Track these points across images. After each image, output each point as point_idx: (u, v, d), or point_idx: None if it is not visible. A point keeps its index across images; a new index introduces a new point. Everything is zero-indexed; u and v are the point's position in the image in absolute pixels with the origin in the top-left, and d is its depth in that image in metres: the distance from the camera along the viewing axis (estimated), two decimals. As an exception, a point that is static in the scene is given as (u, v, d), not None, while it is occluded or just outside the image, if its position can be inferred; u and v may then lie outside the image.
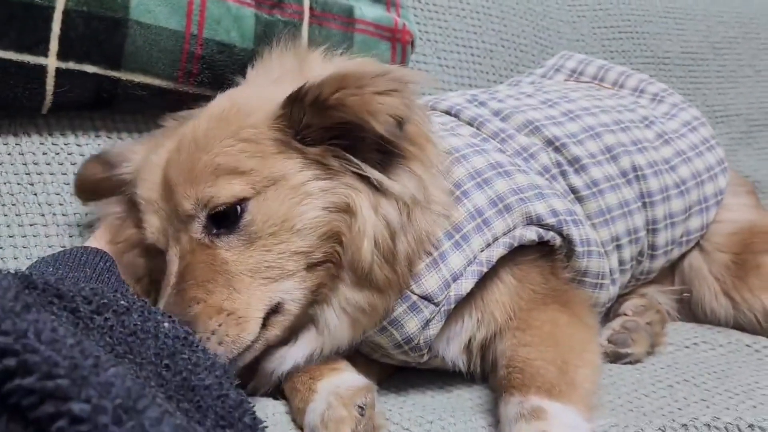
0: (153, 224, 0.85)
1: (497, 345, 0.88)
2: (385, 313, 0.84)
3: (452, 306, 0.85)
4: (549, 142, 1.04)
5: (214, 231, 0.80)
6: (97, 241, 0.90)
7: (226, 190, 0.79)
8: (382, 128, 0.76)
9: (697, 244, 1.17)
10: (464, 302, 0.87)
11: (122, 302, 0.66)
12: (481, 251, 0.87)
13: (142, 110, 1.11)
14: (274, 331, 0.81)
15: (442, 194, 0.86)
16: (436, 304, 0.84)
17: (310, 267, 0.80)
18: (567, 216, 0.94)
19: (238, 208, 0.79)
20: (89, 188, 0.98)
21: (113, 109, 1.09)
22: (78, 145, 1.07)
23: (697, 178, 1.13)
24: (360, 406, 0.76)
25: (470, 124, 1.05)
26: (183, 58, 1.06)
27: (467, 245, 0.86)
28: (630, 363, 1.01)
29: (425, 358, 0.89)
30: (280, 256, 0.79)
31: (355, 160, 0.80)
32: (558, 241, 0.93)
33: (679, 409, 0.87)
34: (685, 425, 0.78)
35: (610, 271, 1.02)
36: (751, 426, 0.77)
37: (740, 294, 1.12)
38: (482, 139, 1.02)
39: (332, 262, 0.81)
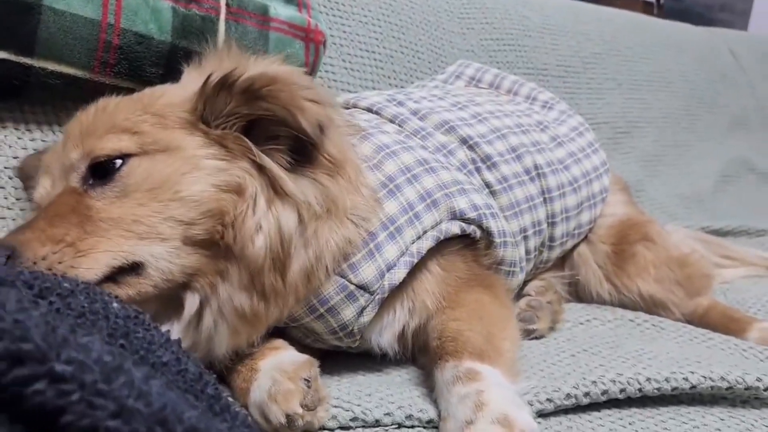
0: (42, 184, 0.83)
1: (427, 325, 0.94)
2: (268, 325, 0.84)
3: (386, 294, 0.90)
4: (464, 141, 1.13)
5: (91, 181, 0.79)
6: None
7: (111, 143, 0.79)
8: (307, 124, 0.78)
9: (585, 237, 1.30)
10: (395, 293, 0.92)
11: (65, 284, 0.64)
12: (413, 243, 0.93)
13: (54, 100, 1.06)
14: (128, 291, 0.76)
15: (359, 203, 0.88)
16: (371, 293, 0.89)
17: (189, 242, 0.78)
18: (486, 210, 1.03)
19: (118, 162, 0.78)
20: (27, 176, 0.96)
21: (23, 99, 1.04)
22: (-17, 135, 1.00)
23: (586, 177, 1.27)
24: (306, 379, 0.78)
25: (392, 121, 1.11)
26: (99, 47, 1.03)
27: (400, 237, 0.92)
28: (536, 338, 1.11)
29: (357, 343, 0.93)
30: (153, 215, 0.77)
31: (255, 148, 0.80)
32: (478, 233, 1.01)
33: (583, 374, 0.97)
34: (594, 382, 0.88)
35: (519, 260, 1.12)
36: (648, 379, 0.89)
37: (620, 280, 1.27)
38: (406, 136, 1.08)
39: (216, 245, 0.79)
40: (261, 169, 0.81)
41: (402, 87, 1.58)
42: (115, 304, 0.63)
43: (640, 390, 0.88)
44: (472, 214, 1.00)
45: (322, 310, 0.88)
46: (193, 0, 1.13)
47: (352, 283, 0.88)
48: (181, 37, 1.10)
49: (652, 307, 1.26)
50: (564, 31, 1.99)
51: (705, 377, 0.90)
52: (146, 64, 1.08)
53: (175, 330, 0.80)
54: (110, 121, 0.81)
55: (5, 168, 1.00)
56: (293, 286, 0.82)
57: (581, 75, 1.98)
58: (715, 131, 2.29)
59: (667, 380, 0.89)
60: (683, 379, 0.89)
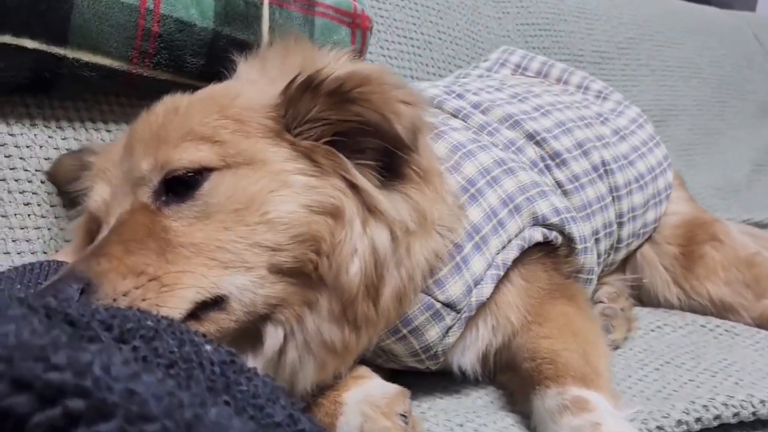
0: (99, 192, 0.72)
1: (512, 343, 0.86)
2: (357, 355, 0.75)
3: (473, 312, 0.82)
4: (530, 137, 1.04)
5: (165, 197, 0.68)
6: (66, 251, 0.76)
7: (189, 153, 0.68)
8: (403, 130, 0.69)
9: (649, 237, 1.22)
10: (478, 309, 0.84)
11: (148, 323, 0.54)
12: (497, 254, 0.84)
13: (86, 95, 0.96)
14: (210, 328, 0.66)
15: (445, 212, 0.79)
16: (458, 311, 0.80)
17: (276, 271, 0.68)
18: (567, 213, 0.94)
19: (198, 176, 0.68)
20: (63, 180, 0.87)
21: (53, 94, 0.93)
22: (11, 134, 0.89)
23: (651, 173, 1.19)
24: (402, 415, 0.70)
25: (455, 116, 1.02)
26: (138, 35, 0.93)
27: (486, 248, 0.83)
28: (612, 349, 1.03)
29: (438, 365, 0.85)
30: (238, 240, 0.66)
31: (349, 164, 0.71)
32: (560, 239, 0.93)
33: (675, 390, 0.90)
34: (705, 406, 0.80)
35: (594, 265, 1.04)
36: (762, 402, 0.81)
37: (689, 283, 1.19)
38: (474, 133, 0.99)
39: (305, 274, 0.69)
40: (353, 186, 0.71)
41: (440, 75, 1.48)
42: (207, 347, 0.53)
43: (754, 414, 0.81)
44: (554, 219, 0.92)
45: (404, 332, 0.80)
46: (235, -17, 1.02)
47: (438, 301, 0.79)
48: (224, 24, 1.00)
49: (721, 311, 1.19)
50: (598, 15, 1.91)
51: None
52: (187, 53, 0.98)
53: (254, 362, 0.70)
54: (185, 125, 0.70)
55: (37, 171, 0.90)
56: (385, 311, 0.73)
57: (616, 61, 1.90)
58: (745, 118, 2.22)
59: (781, 402, 0.82)
60: (799, 401, 0.82)
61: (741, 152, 2.13)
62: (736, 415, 0.80)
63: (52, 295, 0.58)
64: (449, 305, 0.80)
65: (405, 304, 0.76)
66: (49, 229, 0.88)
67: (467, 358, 0.86)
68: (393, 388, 0.75)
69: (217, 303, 0.67)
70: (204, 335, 0.57)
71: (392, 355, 0.83)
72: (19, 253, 0.84)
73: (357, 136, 0.72)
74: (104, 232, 0.68)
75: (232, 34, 1.01)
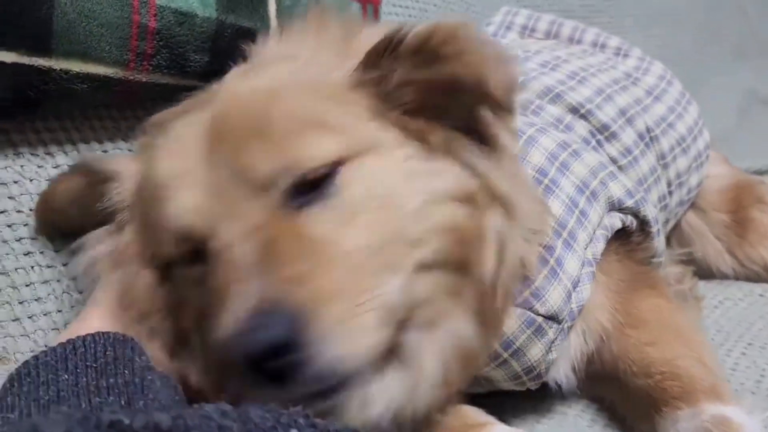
0: (187, 201, 0.58)
1: (606, 350, 0.76)
2: (479, 365, 0.68)
3: (575, 320, 0.72)
4: (574, 110, 0.94)
5: (297, 201, 0.57)
6: (100, 308, 0.61)
7: (319, 149, 0.58)
8: (501, 90, 0.60)
9: (693, 203, 1.15)
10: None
11: (226, 422, 0.41)
12: (586, 248, 0.74)
13: (74, 111, 0.79)
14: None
15: (530, 210, 0.69)
16: (560, 322, 0.70)
17: (418, 267, 0.59)
18: (638, 195, 0.85)
19: (332, 171, 0.58)
20: (61, 208, 0.69)
21: (36, 115, 0.76)
22: (-10, 168, 0.72)
23: (691, 133, 1.10)
24: None
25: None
26: (133, 33, 0.76)
27: (576, 243, 0.73)
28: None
29: (538, 385, 0.75)
30: (385, 240, 0.58)
31: (465, 143, 0.62)
32: (635, 224, 0.84)
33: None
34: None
35: (662, 246, 0.95)
36: None
37: (743, 250, 1.13)
38: (521, 114, 0.88)
39: (448, 268, 0.61)
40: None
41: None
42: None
43: None
44: (629, 202, 0.82)
45: (506, 355, 0.69)
46: (234, -39, 0.87)
47: (539, 315, 0.69)
48: (227, 11, 0.84)
49: (777, 277, 1.13)
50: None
51: None
52: (190, 50, 0.82)
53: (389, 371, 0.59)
54: (290, 110, 0.59)
55: (31, 211, 0.73)
56: (501, 308, 0.65)
57: (603, 14, 1.82)
58: (724, 64, 2.18)
59: None
60: None
61: (725, 100, 2.08)
62: None
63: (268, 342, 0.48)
64: (551, 317, 0.70)
65: (509, 301, 0.67)
66: (58, 280, 0.72)
67: (561, 371, 0.76)
68: None
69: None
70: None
71: (487, 380, 0.73)
72: (30, 317, 0.68)
73: (440, 97, 0.62)
74: (232, 252, 0.55)
75: (237, 23, 0.85)
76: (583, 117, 0.94)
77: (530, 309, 0.69)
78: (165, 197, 0.60)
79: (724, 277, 1.15)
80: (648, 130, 1.01)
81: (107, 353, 0.53)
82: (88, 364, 0.51)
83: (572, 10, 1.72)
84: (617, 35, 1.80)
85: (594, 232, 0.77)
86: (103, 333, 0.55)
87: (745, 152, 1.92)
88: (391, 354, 0.59)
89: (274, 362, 0.49)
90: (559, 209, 0.74)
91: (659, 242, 0.90)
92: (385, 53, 0.61)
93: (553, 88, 0.95)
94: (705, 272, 1.15)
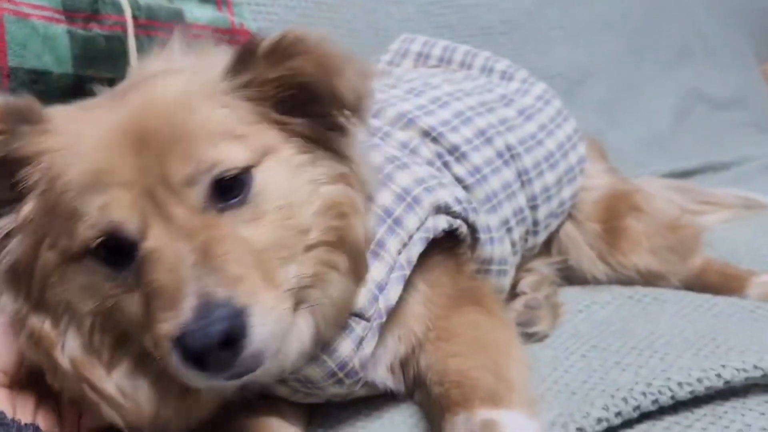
0: (120, 201, 0.64)
1: (419, 359, 0.83)
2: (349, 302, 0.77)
3: (384, 319, 0.79)
4: (426, 134, 1.01)
5: (221, 203, 0.67)
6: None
7: (233, 154, 0.68)
8: (348, 87, 0.70)
9: (569, 214, 1.21)
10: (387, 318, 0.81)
11: None
12: (399, 254, 0.81)
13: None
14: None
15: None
16: (368, 320, 0.77)
17: (309, 248, 0.72)
18: (467, 204, 0.92)
19: (245, 176, 0.69)
20: None
21: None
22: None
23: (561, 149, 1.16)
24: None
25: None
26: (-13, 92, 0.86)
27: (384, 251, 0.80)
28: (538, 341, 1.02)
29: (360, 385, 0.82)
30: (288, 233, 0.70)
31: (334, 135, 0.75)
32: (464, 229, 0.90)
33: (601, 378, 0.88)
34: (625, 398, 0.79)
35: (507, 255, 1.01)
36: (680, 384, 0.80)
37: (615, 258, 1.18)
38: (365, 137, 0.95)
39: (327, 243, 0.73)
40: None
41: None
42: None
43: (672, 398, 0.80)
44: (457, 207, 0.89)
45: (317, 351, 0.76)
46: (92, 19, 0.96)
47: None
48: (85, 66, 0.94)
49: (650, 279, 1.18)
50: (501, -18, 1.87)
51: (738, 369, 0.82)
52: (51, 102, 0.91)
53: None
54: (201, 121, 0.68)
55: None
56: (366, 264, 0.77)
57: (526, 28, 1.88)
58: (662, 67, 2.23)
59: (699, 381, 0.81)
60: (716, 376, 0.81)
61: (662, 102, 2.13)
62: (655, 402, 0.79)
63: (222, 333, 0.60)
64: (357, 315, 0.77)
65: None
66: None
67: (379, 372, 0.83)
68: None
69: None
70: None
71: (311, 384, 0.80)
72: None
73: (301, 95, 0.73)
74: (167, 251, 0.64)
75: (98, 74, 0.94)
76: (434, 140, 1.01)
77: None
78: (92, 191, 0.65)
79: (598, 282, 1.20)
80: (509, 148, 1.08)
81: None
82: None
83: (491, 26, 1.78)
84: (541, 48, 1.88)
85: (410, 237, 0.83)
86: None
87: (680, 153, 1.97)
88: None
89: (225, 350, 0.60)
90: (370, 221, 0.81)
91: (496, 251, 0.96)
92: (245, 58, 0.71)
93: (407, 114, 1.02)
94: (581, 278, 1.21)
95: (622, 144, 1.91)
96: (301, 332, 0.72)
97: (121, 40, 0.97)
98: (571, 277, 1.22)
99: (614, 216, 1.19)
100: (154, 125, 0.67)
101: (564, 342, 1.01)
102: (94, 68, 0.94)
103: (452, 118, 1.05)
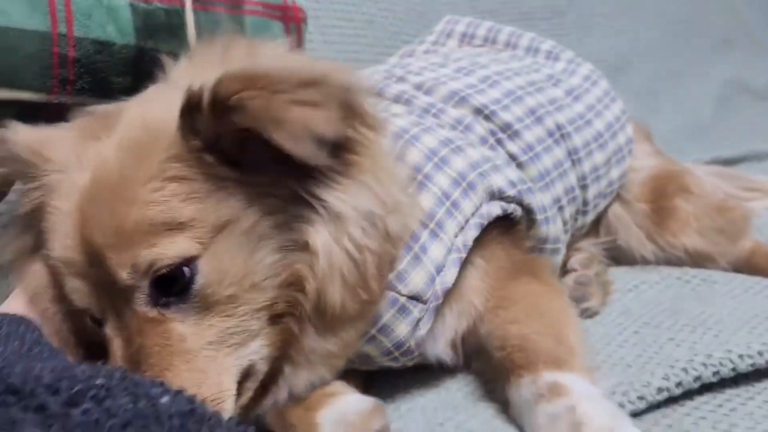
0: (80, 289, 0.68)
1: (479, 329, 0.84)
2: (362, 336, 0.77)
3: (440, 301, 0.79)
4: (478, 111, 1.01)
5: (162, 300, 0.66)
6: (18, 302, 0.72)
7: (169, 250, 0.64)
8: (293, 146, 0.61)
9: (617, 195, 1.20)
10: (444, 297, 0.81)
11: (98, 381, 0.52)
12: (456, 236, 0.82)
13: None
14: (247, 395, 0.71)
15: (401, 190, 0.77)
16: (425, 302, 0.78)
17: (273, 319, 0.70)
18: (522, 185, 0.92)
19: (186, 269, 0.65)
20: None
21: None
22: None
23: (610, 129, 1.16)
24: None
25: (396, 101, 0.99)
26: (54, 63, 0.88)
27: (443, 233, 0.80)
28: (589, 317, 1.02)
29: (414, 361, 0.83)
30: (242, 318, 0.67)
31: (305, 194, 0.67)
32: (519, 212, 0.91)
33: (656, 352, 0.88)
34: (685, 369, 0.79)
35: (559, 234, 1.01)
36: (741, 356, 0.80)
37: (664, 238, 1.17)
38: (418, 116, 0.95)
39: (293, 313, 0.70)
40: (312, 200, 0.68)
41: (387, 54, 1.44)
42: (164, 399, 0.51)
43: (734, 369, 0.79)
44: (511, 191, 0.89)
45: (373, 332, 0.77)
46: (152, -8, 0.97)
47: (402, 295, 0.77)
48: (146, 38, 0.95)
49: (698, 260, 1.17)
50: (544, -34, 1.86)
51: (799, 343, 0.81)
52: (111, 74, 0.93)
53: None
54: (142, 215, 0.64)
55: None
56: (376, 288, 0.74)
57: (567, 14, 1.87)
58: (704, 55, 2.20)
59: (760, 354, 0.80)
60: (778, 349, 0.81)
61: (703, 90, 2.10)
62: (716, 373, 0.79)
63: None
64: (414, 297, 0.77)
65: (387, 271, 0.75)
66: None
67: (439, 348, 0.84)
68: (368, 403, 0.74)
69: (246, 374, 0.70)
70: (162, 383, 0.55)
71: (366, 357, 0.81)
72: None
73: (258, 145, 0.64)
74: (115, 347, 0.67)
75: (157, 47, 0.96)
76: (487, 118, 1.01)
77: (394, 290, 0.77)
78: (62, 276, 0.69)
79: (646, 262, 1.19)
80: (559, 127, 1.07)
81: (1, 330, 0.63)
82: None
83: (533, 12, 1.77)
84: (583, 36, 1.87)
85: (467, 221, 0.83)
86: (1, 314, 0.66)
87: (722, 141, 1.95)
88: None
89: None
90: (429, 202, 0.82)
91: (551, 229, 0.97)
92: (193, 108, 0.64)
93: (459, 92, 1.02)
94: (629, 259, 1.20)
95: (663, 132, 1.88)
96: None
97: (180, 14, 0.99)
98: (618, 257, 1.21)
99: (663, 196, 1.19)
100: (93, 223, 0.66)
101: (615, 319, 1.01)
102: (154, 40, 0.95)
103: (503, 97, 1.04)
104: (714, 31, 2.28)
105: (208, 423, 0.50)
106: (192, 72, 0.79)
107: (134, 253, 0.64)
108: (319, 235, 0.67)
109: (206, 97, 0.63)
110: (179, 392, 0.54)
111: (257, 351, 0.69)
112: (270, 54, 0.84)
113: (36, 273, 0.75)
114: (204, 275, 0.65)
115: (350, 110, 0.68)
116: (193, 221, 0.65)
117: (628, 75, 1.95)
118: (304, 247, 0.68)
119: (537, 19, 1.78)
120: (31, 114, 0.89)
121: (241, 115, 0.62)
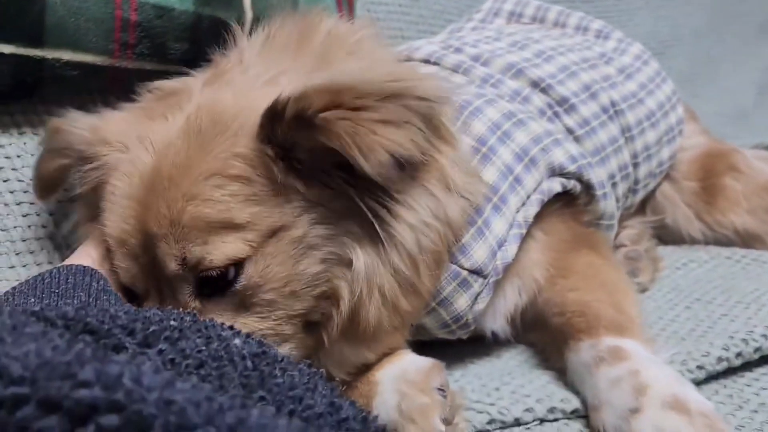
0: (128, 268, 0.70)
1: (537, 300, 0.83)
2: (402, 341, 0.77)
3: (500, 276, 0.79)
4: (535, 84, 1.00)
5: (205, 294, 0.67)
6: (83, 256, 0.73)
7: (220, 251, 0.65)
8: (373, 170, 0.61)
9: (666, 174, 1.19)
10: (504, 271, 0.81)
11: (171, 322, 0.53)
12: (517, 212, 0.81)
13: (71, 94, 0.92)
14: None
15: (467, 177, 0.75)
16: (485, 276, 0.78)
17: (307, 326, 0.71)
18: (583, 160, 0.91)
19: (232, 270, 0.66)
20: (51, 181, 0.79)
21: (35, 98, 0.90)
22: None
23: (662, 108, 1.15)
24: (440, 389, 0.68)
25: (454, 71, 0.98)
26: (117, 26, 0.89)
27: (506, 207, 0.80)
28: (640, 292, 1.01)
29: (468, 335, 0.83)
30: (277, 322, 0.68)
31: (365, 208, 0.66)
32: (578, 188, 0.90)
33: (710, 327, 0.88)
34: (744, 339, 0.79)
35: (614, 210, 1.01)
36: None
37: (712, 217, 1.16)
38: (478, 87, 0.95)
39: (326, 324, 0.71)
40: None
41: (432, 33, 1.44)
42: (236, 341, 0.51)
43: (794, 343, 0.79)
44: (571, 167, 0.89)
45: (433, 304, 0.77)
46: (209, -41, 0.98)
47: (464, 269, 0.77)
48: (204, 4, 0.96)
49: (747, 240, 1.16)
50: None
51: None
52: (169, 39, 0.94)
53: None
54: (198, 212, 0.64)
55: (31, 180, 0.86)
56: (428, 290, 0.74)
57: (608, -1, 1.84)
58: (745, 41, 2.16)
59: (821, 328, 0.80)
60: (840, 323, 0.80)
61: (744, 76, 2.07)
62: (777, 345, 0.78)
63: None
64: (475, 271, 0.77)
65: (445, 262, 0.74)
66: (50, 238, 0.85)
67: (498, 323, 0.84)
68: (427, 362, 0.73)
69: None
70: (231, 327, 0.55)
71: (422, 328, 0.81)
72: (24, 266, 0.81)
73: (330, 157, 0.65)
74: None
75: (213, 14, 0.96)
76: (543, 90, 1.00)
77: (456, 263, 0.76)
78: (113, 252, 0.70)
79: (694, 241, 1.18)
80: (613, 104, 1.06)
81: (68, 281, 0.65)
82: (52, 290, 0.63)
83: (577, -6, 1.75)
84: (624, 18, 1.84)
85: (528, 197, 0.83)
86: (66, 265, 0.67)
87: (764, 127, 1.92)
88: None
89: None
90: (493, 176, 0.81)
91: (606, 205, 0.96)
92: (275, 117, 0.64)
93: (515, 64, 1.01)
94: (677, 238, 1.20)
95: (704, 117, 1.85)
96: None
97: (236, -17, 0.99)
98: (665, 237, 1.21)
99: (712, 174, 1.17)
100: (152, 211, 0.66)
101: (665, 295, 1.01)
102: (211, 7, 0.96)
103: (558, 72, 1.04)
104: (754, 17, 2.24)
105: (279, 364, 0.51)
106: (267, 58, 0.78)
107: (186, 247, 0.65)
108: (364, 256, 0.68)
109: (290, 110, 0.63)
110: (249, 335, 0.54)
111: (286, 354, 0.68)
112: (351, 46, 0.81)
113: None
114: (247, 277, 0.66)
115: (430, 123, 0.68)
116: (247, 224, 0.65)
117: (668, 60, 1.91)
118: (348, 263, 0.68)
119: (578, 2, 1.76)
120: (94, 77, 0.90)
121: (325, 135, 0.62)
